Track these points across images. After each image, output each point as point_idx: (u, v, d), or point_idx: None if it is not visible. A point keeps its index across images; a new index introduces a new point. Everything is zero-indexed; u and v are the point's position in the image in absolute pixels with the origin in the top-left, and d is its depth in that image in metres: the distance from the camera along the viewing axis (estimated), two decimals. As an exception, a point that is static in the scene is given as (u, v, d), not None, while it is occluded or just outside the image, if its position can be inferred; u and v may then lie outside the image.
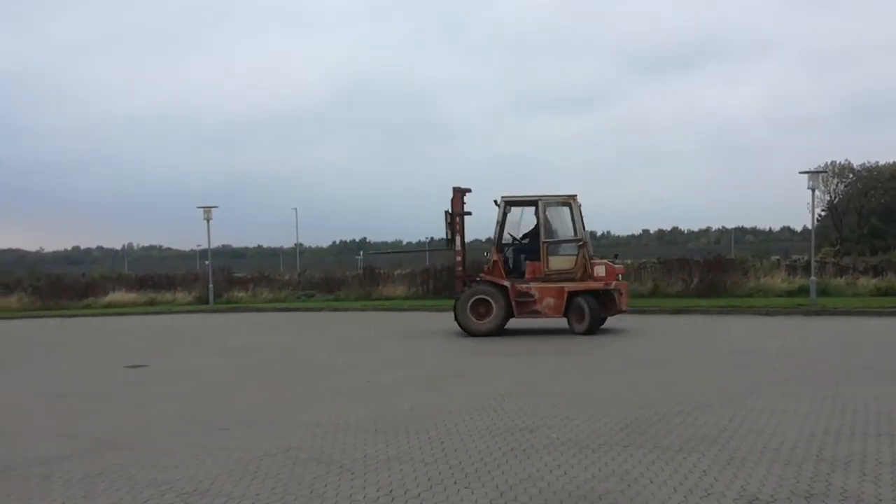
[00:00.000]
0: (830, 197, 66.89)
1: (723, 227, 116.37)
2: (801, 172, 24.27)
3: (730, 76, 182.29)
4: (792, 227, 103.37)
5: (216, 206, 33.02)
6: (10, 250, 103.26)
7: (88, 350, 18.58)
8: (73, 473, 6.86)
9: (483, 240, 31.16)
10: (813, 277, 23.74)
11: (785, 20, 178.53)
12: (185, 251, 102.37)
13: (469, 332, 17.69)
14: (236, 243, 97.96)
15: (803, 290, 24.87)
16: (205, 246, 35.96)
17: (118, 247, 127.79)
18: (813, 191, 24.54)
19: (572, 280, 17.61)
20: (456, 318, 18.00)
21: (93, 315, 31.80)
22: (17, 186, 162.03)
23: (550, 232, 17.86)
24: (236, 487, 6.23)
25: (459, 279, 18.34)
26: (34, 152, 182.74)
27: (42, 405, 10.97)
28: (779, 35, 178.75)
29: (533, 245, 17.97)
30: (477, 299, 17.75)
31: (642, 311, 22.98)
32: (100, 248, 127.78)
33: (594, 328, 17.44)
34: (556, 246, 17.84)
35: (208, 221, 32.95)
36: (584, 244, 17.70)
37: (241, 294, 35.91)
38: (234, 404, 10.43)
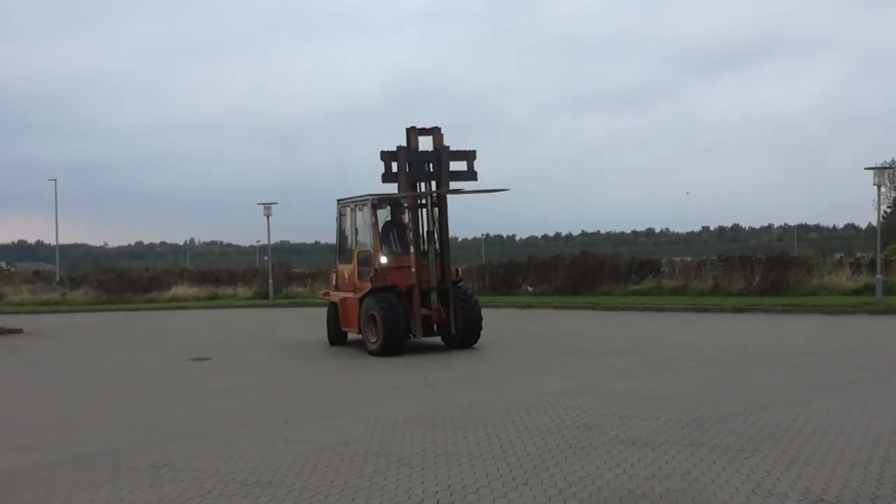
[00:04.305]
0: (897, 193, 65.09)
1: (785, 224, 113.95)
2: (866, 168, 23.68)
3: (782, 75, 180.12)
4: (856, 223, 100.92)
5: (276, 203, 33.39)
6: (76, 245, 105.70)
7: (153, 343, 18.97)
8: (139, 463, 7.03)
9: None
10: (879, 275, 23.15)
11: (836, 19, 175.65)
12: (244, 246, 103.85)
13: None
14: (294, 239, 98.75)
15: (869, 289, 24.25)
16: (264, 242, 36.46)
17: (180, 242, 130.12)
18: (879, 187, 23.93)
19: None
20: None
21: (156, 309, 32.43)
22: (83, 183, 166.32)
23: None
24: (298, 479, 6.32)
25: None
26: (101, 150, 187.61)
27: (109, 396, 11.25)
28: (830, 33, 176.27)
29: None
30: None
31: (704, 310, 22.67)
32: (163, 244, 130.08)
33: None
34: None
35: (268, 218, 33.33)
36: None
37: (300, 289, 36.24)
38: (294, 397, 10.60)
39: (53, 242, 55.06)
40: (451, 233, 15.80)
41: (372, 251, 15.15)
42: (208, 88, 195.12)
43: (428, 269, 14.71)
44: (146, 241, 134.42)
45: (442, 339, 15.37)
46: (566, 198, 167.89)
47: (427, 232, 14.90)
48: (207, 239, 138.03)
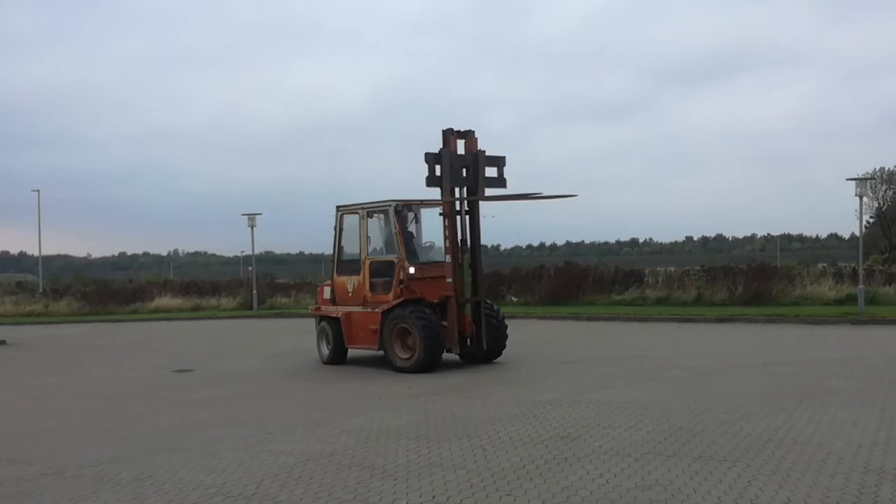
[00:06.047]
0: (879, 204, 65.59)
1: (768, 235, 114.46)
2: (848, 179, 23.86)
3: (762, 87, 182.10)
4: (839, 234, 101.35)
5: (260, 214, 33.35)
6: (59, 256, 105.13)
7: (137, 354, 18.87)
8: (124, 476, 7.01)
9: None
10: (861, 286, 23.33)
11: (815, 32, 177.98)
12: (228, 257, 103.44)
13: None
14: (279, 250, 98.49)
15: (851, 299, 24.42)
16: (248, 252, 36.34)
17: (164, 252, 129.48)
18: (861, 198, 24.10)
19: None
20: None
21: (140, 320, 32.27)
22: (67, 194, 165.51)
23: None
24: (282, 491, 6.32)
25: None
26: (85, 162, 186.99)
27: (93, 408, 11.21)
28: (810, 46, 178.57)
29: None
30: None
31: (687, 320, 22.78)
32: (146, 254, 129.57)
33: None
34: None
35: (252, 228, 33.27)
36: None
37: (284, 300, 36.15)
38: (279, 408, 10.57)
39: (36, 253, 54.81)
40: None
41: (396, 261, 13.91)
42: (192, 101, 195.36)
43: (462, 281, 13.81)
44: (129, 252, 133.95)
45: (458, 355, 14.16)
46: (550, 208, 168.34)
47: (461, 241, 13.93)
48: (191, 249, 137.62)
